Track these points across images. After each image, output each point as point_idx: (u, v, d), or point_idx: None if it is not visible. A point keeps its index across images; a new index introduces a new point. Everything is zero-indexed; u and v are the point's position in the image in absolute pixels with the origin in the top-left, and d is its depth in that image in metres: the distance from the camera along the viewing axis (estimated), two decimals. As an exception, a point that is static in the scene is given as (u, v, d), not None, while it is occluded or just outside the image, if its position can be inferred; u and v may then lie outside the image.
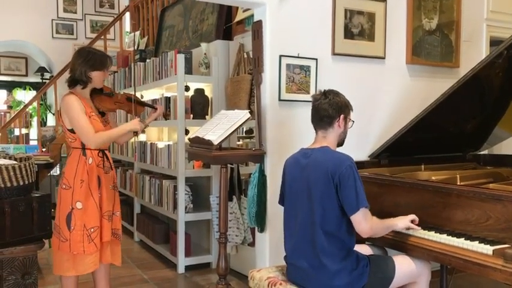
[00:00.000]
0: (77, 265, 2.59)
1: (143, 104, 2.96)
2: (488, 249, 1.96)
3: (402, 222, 2.25)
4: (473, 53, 3.78)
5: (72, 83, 2.65)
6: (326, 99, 2.23)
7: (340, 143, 2.31)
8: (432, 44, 3.60)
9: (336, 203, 2.09)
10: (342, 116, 2.24)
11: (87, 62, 2.61)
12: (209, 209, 3.75)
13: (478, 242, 2.03)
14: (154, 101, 4.30)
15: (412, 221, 2.26)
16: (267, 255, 3.06)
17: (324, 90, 2.28)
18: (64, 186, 2.60)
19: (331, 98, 2.23)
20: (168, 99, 4.11)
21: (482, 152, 3.44)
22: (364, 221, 2.08)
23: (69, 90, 2.67)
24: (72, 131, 2.62)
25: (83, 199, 2.57)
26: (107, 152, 2.72)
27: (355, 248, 2.20)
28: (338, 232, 2.11)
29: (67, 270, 2.61)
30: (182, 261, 3.93)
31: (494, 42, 3.90)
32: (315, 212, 2.12)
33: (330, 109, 2.22)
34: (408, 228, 2.26)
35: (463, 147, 3.28)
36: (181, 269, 3.92)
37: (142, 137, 4.93)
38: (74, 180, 2.58)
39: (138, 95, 3.60)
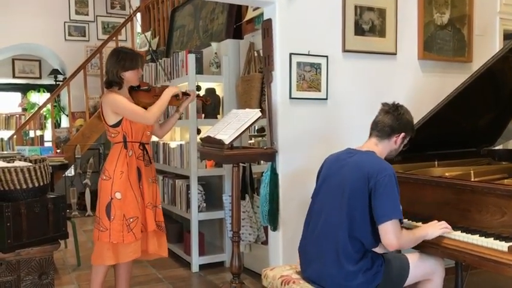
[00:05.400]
0: (118, 254, 2.68)
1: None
2: (503, 245, 1.94)
3: (433, 231, 2.17)
4: (486, 47, 3.73)
5: (108, 84, 2.76)
6: (396, 113, 2.23)
7: (388, 158, 2.29)
8: (444, 39, 3.57)
9: (367, 207, 2.06)
10: (402, 135, 2.25)
11: (118, 63, 2.71)
12: (222, 208, 3.76)
13: (493, 238, 2.01)
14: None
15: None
16: (280, 253, 3.06)
17: (398, 103, 2.28)
18: (104, 177, 2.70)
19: (402, 114, 2.24)
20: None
21: (497, 147, 3.39)
22: (392, 233, 2.01)
23: (107, 91, 2.77)
24: (114, 125, 2.71)
25: (122, 190, 2.66)
26: (147, 146, 2.81)
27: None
28: (363, 236, 2.08)
29: (108, 259, 2.69)
30: (196, 260, 3.95)
31: (507, 36, 3.85)
32: (343, 211, 2.09)
33: (394, 123, 2.22)
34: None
35: (477, 142, 3.24)
36: (195, 268, 3.94)
37: (155, 137, 4.95)
38: (114, 171, 2.68)
39: None
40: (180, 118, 3.06)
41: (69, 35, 7.99)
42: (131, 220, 2.66)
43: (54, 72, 8.16)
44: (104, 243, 2.67)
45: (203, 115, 4.01)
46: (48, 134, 7.68)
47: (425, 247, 2.24)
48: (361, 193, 2.06)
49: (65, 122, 8.22)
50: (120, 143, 2.72)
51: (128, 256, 2.69)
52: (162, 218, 2.90)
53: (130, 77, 2.74)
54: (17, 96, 8.90)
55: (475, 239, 2.05)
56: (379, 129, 2.25)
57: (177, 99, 2.92)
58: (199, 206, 3.96)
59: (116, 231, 2.63)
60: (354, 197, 2.07)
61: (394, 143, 2.26)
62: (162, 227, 2.87)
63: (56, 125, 7.84)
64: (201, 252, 4.00)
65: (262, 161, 3.58)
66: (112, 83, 2.73)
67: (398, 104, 2.29)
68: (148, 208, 2.75)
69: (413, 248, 2.30)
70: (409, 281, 2.18)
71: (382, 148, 2.25)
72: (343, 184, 2.12)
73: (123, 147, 2.71)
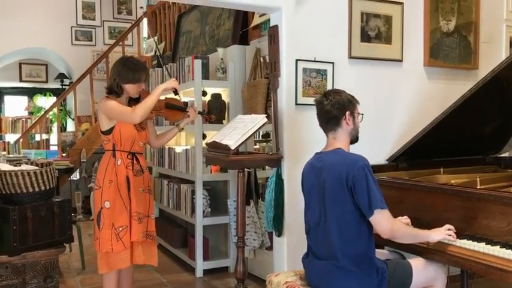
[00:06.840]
0: (109, 262, 2.69)
1: (179, 109, 2.96)
2: (510, 254, 1.93)
3: (437, 235, 2.17)
4: (493, 54, 3.72)
5: (108, 91, 2.75)
6: (327, 101, 2.19)
7: (354, 140, 2.26)
8: (450, 46, 3.56)
9: (352, 206, 2.05)
10: (347, 113, 2.19)
11: (119, 73, 2.69)
12: (227, 213, 3.76)
13: (499, 246, 2.00)
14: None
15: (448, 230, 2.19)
16: (285, 259, 3.06)
17: (325, 91, 2.26)
18: (96, 187, 2.72)
19: (332, 97, 2.19)
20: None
21: (503, 155, 3.38)
22: (383, 222, 2.02)
23: (103, 97, 2.77)
24: (104, 132, 2.71)
25: (111, 199, 2.66)
26: (138, 155, 2.79)
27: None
28: (357, 238, 2.07)
29: (101, 268, 2.71)
30: (200, 265, 3.95)
31: (514, 43, 3.84)
32: (330, 217, 2.08)
33: (333, 110, 2.17)
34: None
35: (483, 149, 3.23)
36: (199, 273, 3.94)
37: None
38: (103, 180, 2.68)
39: None
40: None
41: (76, 39, 8.05)
42: (120, 229, 2.64)
43: (61, 77, 8.21)
44: (97, 251, 2.70)
45: (209, 120, 4.02)
46: (54, 138, 7.72)
47: (430, 254, 2.23)
48: (343, 195, 2.04)
49: (70, 126, 8.26)
50: (110, 151, 2.72)
51: (117, 265, 2.69)
52: (154, 227, 2.87)
53: (129, 89, 2.71)
54: (23, 99, 8.95)
55: (481, 247, 2.05)
56: (325, 126, 2.23)
57: (178, 109, 2.89)
58: (204, 211, 3.96)
59: (105, 240, 2.63)
60: (337, 202, 2.06)
61: (347, 125, 2.20)
62: (153, 236, 2.85)
63: (62, 128, 7.88)
64: (206, 257, 3.99)
65: (267, 167, 3.58)
66: (111, 90, 2.72)
67: (325, 92, 2.26)
68: (133, 219, 2.72)
69: (418, 254, 2.29)
70: (412, 287, 2.17)
71: (342, 139, 2.21)
72: (324, 192, 2.12)
73: (112, 155, 2.71)
